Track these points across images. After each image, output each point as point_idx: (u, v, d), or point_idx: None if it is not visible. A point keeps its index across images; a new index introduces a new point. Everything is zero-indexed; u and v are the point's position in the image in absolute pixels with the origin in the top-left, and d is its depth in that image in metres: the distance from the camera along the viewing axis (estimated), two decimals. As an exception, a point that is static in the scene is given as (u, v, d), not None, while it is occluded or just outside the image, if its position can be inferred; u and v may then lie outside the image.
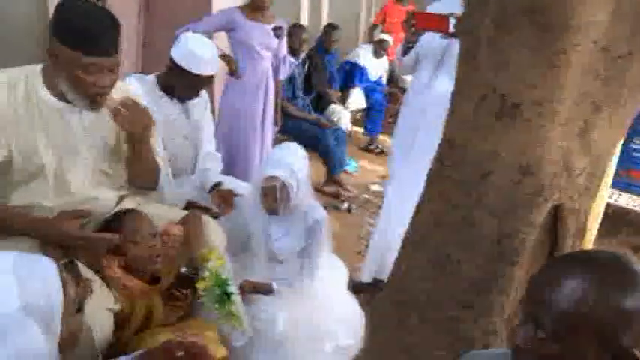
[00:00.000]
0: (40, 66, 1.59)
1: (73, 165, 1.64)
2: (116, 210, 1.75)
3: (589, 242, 1.60)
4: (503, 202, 1.36)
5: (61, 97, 1.58)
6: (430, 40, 2.45)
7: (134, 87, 2.20)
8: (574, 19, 1.19)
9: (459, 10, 2.11)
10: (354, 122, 5.33)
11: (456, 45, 1.60)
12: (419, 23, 2.33)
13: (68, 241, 1.55)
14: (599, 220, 1.80)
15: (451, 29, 2.18)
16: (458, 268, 1.38)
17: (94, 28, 1.48)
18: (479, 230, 1.37)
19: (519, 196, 1.34)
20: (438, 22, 2.23)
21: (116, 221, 1.69)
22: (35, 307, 0.93)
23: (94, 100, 1.57)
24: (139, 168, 1.78)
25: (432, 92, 2.43)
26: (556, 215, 1.38)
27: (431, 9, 2.49)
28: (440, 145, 1.48)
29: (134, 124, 1.64)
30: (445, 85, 2.17)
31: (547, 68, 1.25)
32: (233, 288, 1.77)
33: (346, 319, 2.06)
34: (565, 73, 1.25)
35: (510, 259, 1.36)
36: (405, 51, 2.56)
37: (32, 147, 1.56)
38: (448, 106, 1.48)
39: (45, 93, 1.56)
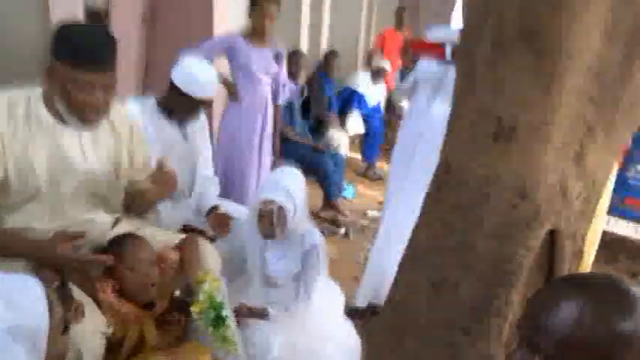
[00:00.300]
0: (41, 88, 1.60)
1: (69, 187, 1.64)
2: (116, 233, 1.74)
3: (586, 266, 1.59)
4: (501, 225, 1.36)
5: (61, 118, 1.58)
6: (427, 65, 2.49)
7: (134, 109, 2.22)
8: (567, 43, 1.22)
9: (454, 37, 2.16)
10: (352, 148, 5.35)
11: (453, 70, 1.63)
12: (415, 51, 2.39)
13: (62, 263, 1.53)
14: (597, 246, 1.80)
15: (447, 57, 2.23)
16: (456, 291, 1.37)
17: (86, 42, 1.49)
18: (476, 253, 1.36)
19: (516, 220, 1.34)
20: (433, 50, 2.28)
21: (115, 244, 1.67)
22: (21, 329, 0.92)
23: (85, 117, 1.56)
24: (142, 202, 1.81)
25: (429, 116, 2.46)
26: (552, 239, 1.38)
27: (429, 36, 2.54)
28: (436, 168, 1.49)
29: (166, 187, 1.69)
30: (442, 109, 2.20)
31: (542, 91, 1.26)
32: (228, 311, 1.75)
33: (343, 344, 2.03)
34: (559, 97, 1.27)
35: (508, 282, 1.35)
36: (402, 77, 2.60)
37: (29, 168, 1.55)
38: (445, 130, 1.49)
39: (45, 114, 1.57)
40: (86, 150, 1.65)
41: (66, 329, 1.08)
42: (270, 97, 3.38)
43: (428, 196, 1.50)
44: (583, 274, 1.39)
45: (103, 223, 1.74)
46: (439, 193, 1.45)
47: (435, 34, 2.46)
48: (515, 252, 1.33)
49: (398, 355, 1.47)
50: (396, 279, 1.59)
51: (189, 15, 3.55)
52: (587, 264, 1.60)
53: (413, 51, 2.40)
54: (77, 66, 1.47)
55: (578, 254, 1.45)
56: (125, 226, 1.80)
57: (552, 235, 1.38)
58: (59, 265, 1.53)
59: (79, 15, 2.50)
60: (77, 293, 1.53)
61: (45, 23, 2.26)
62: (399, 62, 2.74)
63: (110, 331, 1.57)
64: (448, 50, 2.22)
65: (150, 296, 1.70)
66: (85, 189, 1.67)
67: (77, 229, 1.62)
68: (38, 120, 1.56)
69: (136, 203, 1.83)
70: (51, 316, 0.99)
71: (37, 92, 1.59)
